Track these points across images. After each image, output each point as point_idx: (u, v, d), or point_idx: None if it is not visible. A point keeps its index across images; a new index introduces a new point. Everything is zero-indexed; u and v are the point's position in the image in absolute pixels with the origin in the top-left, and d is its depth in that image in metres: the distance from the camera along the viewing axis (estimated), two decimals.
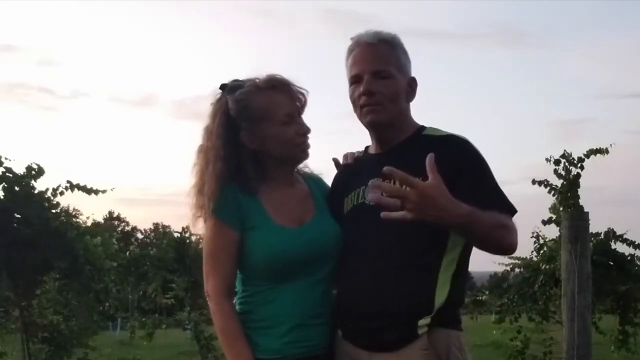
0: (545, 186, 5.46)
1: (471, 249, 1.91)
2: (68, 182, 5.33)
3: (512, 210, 1.88)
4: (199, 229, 1.96)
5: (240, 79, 1.99)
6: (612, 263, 6.24)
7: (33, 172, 5.18)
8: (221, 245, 1.89)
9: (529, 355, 6.11)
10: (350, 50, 1.99)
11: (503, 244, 1.82)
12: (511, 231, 1.83)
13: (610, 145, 5.43)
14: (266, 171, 1.96)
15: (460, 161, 1.87)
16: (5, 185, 5.11)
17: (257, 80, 1.96)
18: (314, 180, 2.10)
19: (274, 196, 1.95)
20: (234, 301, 1.95)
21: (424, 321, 1.81)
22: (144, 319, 9.23)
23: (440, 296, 1.83)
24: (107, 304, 6.53)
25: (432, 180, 1.64)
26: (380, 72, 1.92)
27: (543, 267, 6.15)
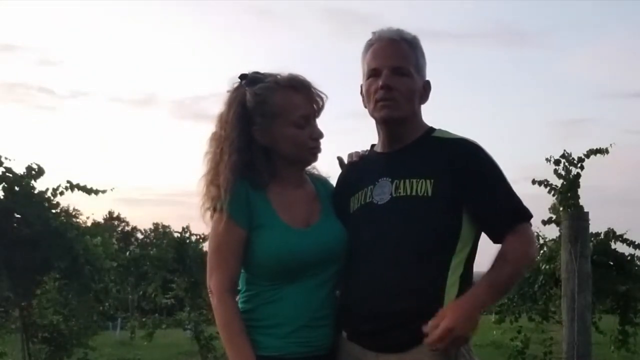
0: (545, 186, 5.46)
1: (476, 251, 1.91)
2: (68, 182, 5.34)
3: (527, 217, 1.89)
4: (207, 220, 1.93)
5: (261, 72, 1.96)
6: (612, 263, 6.24)
7: (33, 172, 5.19)
8: (228, 242, 1.87)
9: (529, 355, 6.11)
10: (370, 45, 1.98)
11: (525, 269, 1.97)
12: (526, 255, 1.88)
13: (610, 145, 5.44)
14: (275, 169, 1.95)
15: (473, 167, 1.87)
16: (5, 185, 5.11)
17: (278, 77, 1.94)
18: (322, 183, 2.09)
19: (283, 195, 1.94)
20: (237, 299, 1.94)
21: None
22: (144, 319, 9.21)
23: (450, 297, 1.82)
24: (107, 304, 6.53)
25: (446, 320, 1.73)
26: (400, 68, 1.92)
27: (543, 267, 6.14)
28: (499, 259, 1.84)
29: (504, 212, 1.86)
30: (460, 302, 1.78)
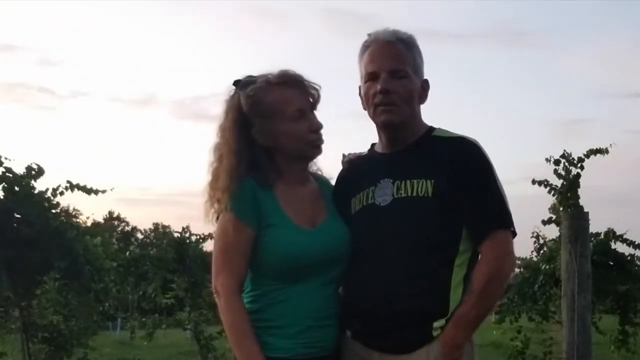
0: (545, 186, 5.45)
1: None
2: (68, 182, 5.34)
3: (507, 225, 1.87)
4: (215, 224, 1.93)
5: (254, 74, 1.97)
6: (612, 263, 6.25)
7: (33, 172, 5.19)
8: (236, 242, 1.86)
9: (529, 355, 6.10)
10: (366, 47, 1.97)
11: (499, 290, 1.92)
12: (493, 277, 1.83)
13: (610, 145, 5.43)
14: (280, 168, 1.95)
15: (468, 165, 1.87)
16: (5, 185, 5.11)
17: (270, 76, 1.94)
18: (323, 182, 2.09)
19: (289, 194, 1.94)
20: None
21: (439, 323, 1.81)
22: (144, 319, 9.19)
23: (455, 298, 1.83)
24: (107, 304, 6.51)
25: None
26: (397, 71, 1.91)
27: (543, 267, 6.15)
28: (468, 289, 1.84)
29: (486, 216, 1.86)
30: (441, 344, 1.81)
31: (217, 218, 1.91)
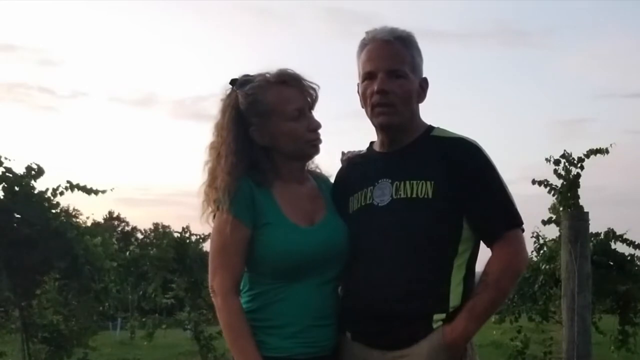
0: (545, 186, 5.46)
1: (478, 252, 1.91)
2: (68, 182, 5.33)
3: (517, 223, 1.88)
4: (211, 224, 1.92)
5: (251, 74, 1.96)
6: (612, 263, 6.26)
7: (33, 172, 5.18)
8: (232, 241, 1.85)
9: (529, 355, 6.12)
10: (364, 45, 1.96)
11: (512, 285, 1.91)
12: (508, 272, 1.84)
13: (610, 145, 5.44)
14: (278, 167, 1.94)
15: (469, 167, 1.87)
16: (5, 185, 5.11)
17: (268, 75, 1.94)
18: (323, 180, 2.08)
19: (286, 192, 1.93)
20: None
21: (439, 316, 1.82)
22: (144, 319, 9.22)
23: (455, 298, 1.83)
24: (107, 304, 6.51)
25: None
26: (395, 71, 1.90)
27: (543, 267, 6.16)
28: (480, 281, 1.84)
29: (495, 216, 1.86)
30: (447, 337, 1.80)
31: (214, 217, 1.91)
